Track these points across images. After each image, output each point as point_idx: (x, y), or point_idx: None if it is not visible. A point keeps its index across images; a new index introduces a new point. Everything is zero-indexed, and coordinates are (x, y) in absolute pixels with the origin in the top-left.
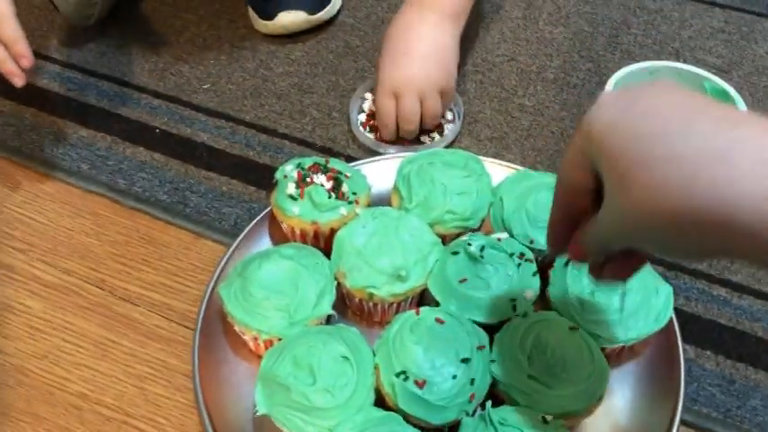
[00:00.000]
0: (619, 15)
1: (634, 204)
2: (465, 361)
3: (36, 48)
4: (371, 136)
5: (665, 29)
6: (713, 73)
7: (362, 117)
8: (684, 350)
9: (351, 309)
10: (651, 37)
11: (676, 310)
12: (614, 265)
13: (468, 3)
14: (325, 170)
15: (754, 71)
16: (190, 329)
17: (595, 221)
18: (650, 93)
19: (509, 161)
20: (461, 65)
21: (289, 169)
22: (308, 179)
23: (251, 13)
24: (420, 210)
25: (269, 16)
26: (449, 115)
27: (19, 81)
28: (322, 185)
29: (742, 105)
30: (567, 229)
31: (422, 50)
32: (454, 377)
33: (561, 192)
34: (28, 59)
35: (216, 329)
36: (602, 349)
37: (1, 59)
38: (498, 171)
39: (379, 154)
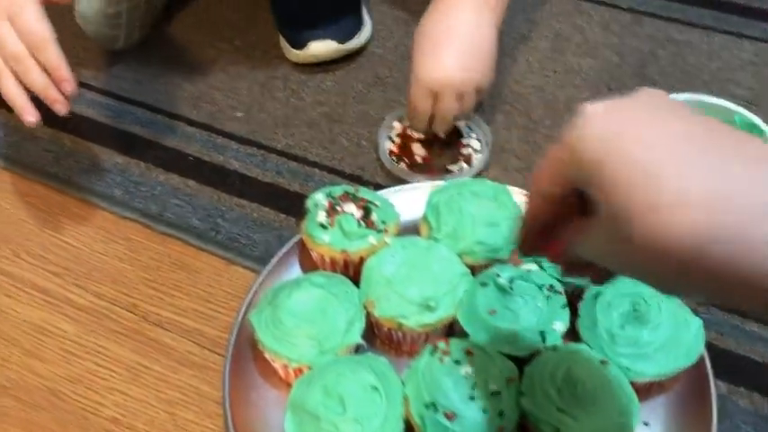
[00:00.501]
0: (646, 46)
1: (638, 246)
2: (495, 393)
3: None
4: (400, 165)
5: (693, 60)
6: (742, 105)
7: (391, 146)
8: (716, 386)
9: (379, 338)
10: (679, 68)
11: (708, 344)
12: (590, 270)
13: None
14: (356, 199)
15: None
16: (220, 355)
17: (586, 239)
18: (644, 110)
19: None
20: (489, 94)
21: (319, 198)
22: (339, 208)
23: (282, 42)
24: (449, 240)
25: (300, 45)
26: (476, 145)
27: (62, 108)
28: (352, 214)
29: None
30: (541, 234)
31: (461, 43)
32: (484, 410)
33: (537, 202)
34: (71, 84)
35: (246, 356)
36: (632, 383)
37: (44, 86)
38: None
39: (408, 182)
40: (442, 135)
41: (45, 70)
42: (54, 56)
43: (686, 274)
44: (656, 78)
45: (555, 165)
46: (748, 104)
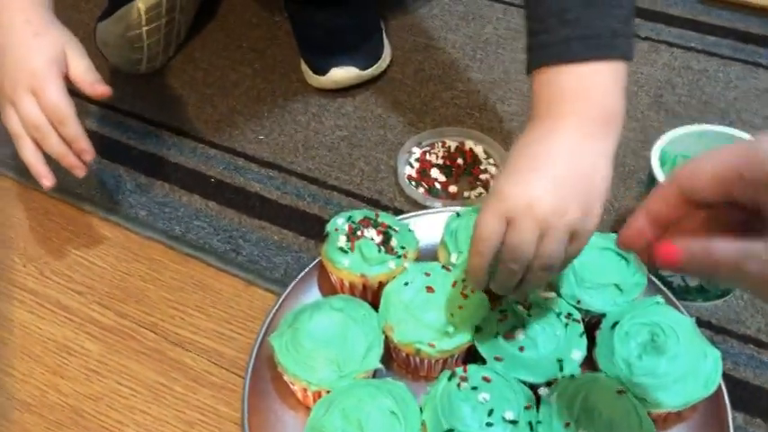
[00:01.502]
0: (663, 75)
1: None
2: (512, 422)
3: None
4: (419, 190)
5: (709, 90)
6: (757, 134)
7: (410, 171)
8: (733, 417)
9: (397, 362)
10: (696, 97)
11: (725, 375)
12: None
13: (623, 101)
14: (376, 224)
15: None
16: (239, 376)
17: (748, 261)
18: None
19: None
20: (507, 119)
21: (340, 222)
22: (359, 233)
23: (304, 67)
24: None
25: (322, 72)
26: (494, 170)
27: (81, 173)
28: (372, 239)
29: None
30: (655, 228)
31: (558, 170)
32: None
33: (670, 195)
34: (90, 154)
35: (265, 378)
36: (649, 413)
37: (63, 154)
38: None
39: (426, 207)
40: (501, 293)
41: (66, 142)
42: (74, 130)
43: None
44: (674, 107)
45: (725, 164)
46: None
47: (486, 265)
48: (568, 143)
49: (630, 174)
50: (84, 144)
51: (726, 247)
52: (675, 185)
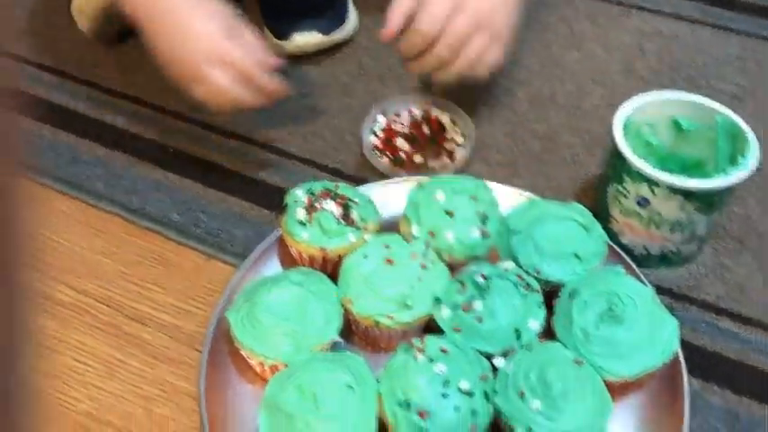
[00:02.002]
0: (633, 40)
1: None
2: (468, 392)
3: (54, 65)
4: (383, 160)
5: (679, 55)
6: (728, 100)
7: (374, 140)
8: (690, 383)
9: (357, 335)
10: (665, 63)
11: (682, 341)
12: None
13: None
14: (335, 196)
15: None
16: (198, 351)
17: None
18: None
19: (519, 187)
20: (474, 88)
21: (299, 194)
22: (318, 205)
23: (266, 33)
24: (428, 237)
25: (284, 37)
26: (460, 139)
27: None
28: (331, 212)
29: (753, 141)
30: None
31: None
32: (456, 408)
33: None
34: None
35: (223, 352)
36: (607, 382)
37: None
38: (508, 198)
39: (390, 178)
40: (443, 81)
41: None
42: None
43: None
44: (643, 73)
45: None
46: (733, 99)
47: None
48: None
49: (596, 141)
50: (275, 85)
51: None
52: None
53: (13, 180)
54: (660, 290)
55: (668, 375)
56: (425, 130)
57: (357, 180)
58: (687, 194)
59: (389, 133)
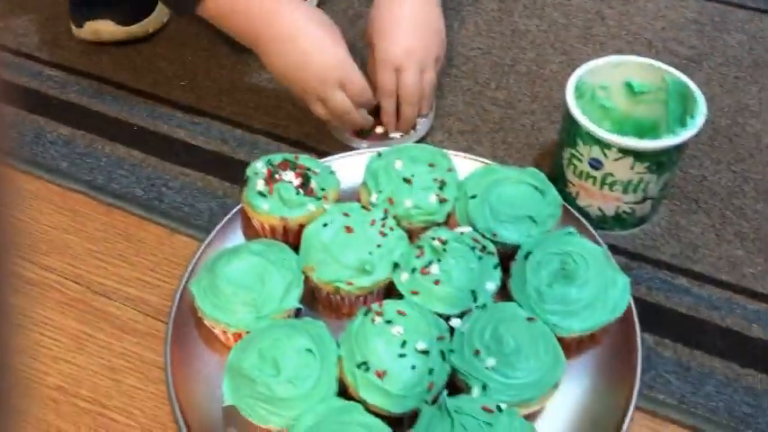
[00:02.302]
0: (593, 6)
1: None
2: (424, 352)
3: (16, 46)
4: (346, 132)
5: (638, 20)
6: (685, 63)
7: None
8: (644, 338)
9: (320, 302)
10: (625, 28)
11: (638, 299)
12: None
13: None
14: (294, 167)
15: (724, 62)
16: (164, 323)
17: None
18: None
19: (480, 155)
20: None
21: (259, 166)
22: (277, 176)
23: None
24: (387, 205)
25: (78, 24)
26: None
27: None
28: (290, 182)
29: (701, 101)
30: None
31: (414, 21)
32: (413, 367)
33: None
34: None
35: (188, 323)
36: (562, 339)
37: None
38: (467, 165)
39: (353, 149)
40: (408, 124)
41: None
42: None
43: None
44: (602, 39)
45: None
46: (690, 62)
47: (395, 108)
48: (409, 4)
49: (556, 107)
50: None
51: None
52: None
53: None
54: (616, 250)
55: (623, 331)
56: (409, 124)
57: (321, 153)
58: (637, 155)
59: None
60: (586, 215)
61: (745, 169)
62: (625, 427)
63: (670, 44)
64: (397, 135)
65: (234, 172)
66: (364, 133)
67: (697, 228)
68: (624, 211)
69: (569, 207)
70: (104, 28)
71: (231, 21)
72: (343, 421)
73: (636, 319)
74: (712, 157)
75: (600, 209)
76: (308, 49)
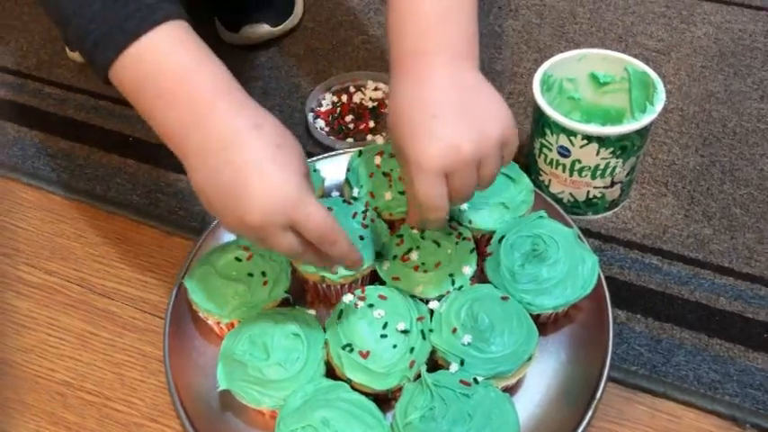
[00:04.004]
0: (566, 6)
1: None
2: (404, 332)
3: (16, 67)
4: (327, 134)
5: (609, 16)
6: (654, 55)
7: (320, 116)
8: (617, 315)
9: (309, 293)
10: (596, 25)
11: (611, 278)
12: None
13: (475, 41)
14: None
15: (691, 52)
16: (162, 319)
17: None
18: None
19: None
20: None
21: None
22: None
23: (218, 24)
24: (368, 198)
25: (234, 29)
26: None
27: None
28: None
29: (661, 88)
30: None
31: (451, 102)
32: (394, 346)
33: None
34: (360, 261)
35: (185, 317)
36: (537, 316)
37: (340, 261)
38: None
39: (335, 150)
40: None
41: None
42: (346, 247)
43: None
44: (573, 37)
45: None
46: (659, 54)
47: (447, 214)
48: (443, 71)
49: (530, 103)
50: (356, 255)
51: None
52: None
53: None
54: (589, 233)
55: (595, 308)
56: (369, 103)
57: (306, 154)
58: (600, 141)
59: (333, 108)
60: (559, 201)
61: (712, 153)
62: (598, 395)
63: (640, 38)
64: (377, 136)
65: None
66: (344, 134)
67: (666, 210)
68: (595, 196)
69: (543, 194)
70: (260, 31)
71: (151, 104)
72: (330, 399)
73: (607, 296)
74: (680, 143)
75: (572, 194)
76: (244, 170)
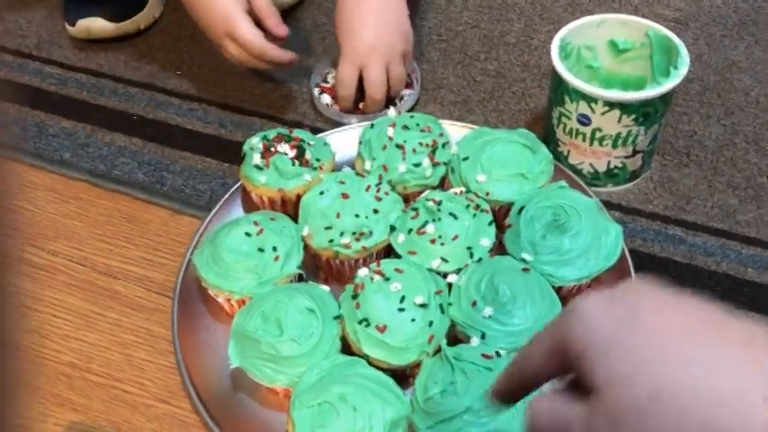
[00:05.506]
0: None
1: None
2: (423, 305)
3: (16, 47)
4: (335, 108)
5: None
6: (672, 26)
7: (326, 90)
8: None
9: (322, 270)
10: None
11: (634, 251)
12: None
13: None
14: (289, 139)
15: (710, 21)
16: (169, 298)
17: (587, 421)
18: (649, 321)
19: (472, 122)
20: (426, 35)
21: (255, 141)
22: (273, 149)
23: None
24: (381, 171)
25: (70, 22)
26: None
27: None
28: (286, 154)
29: (684, 52)
30: (520, 390)
31: (378, 19)
32: (412, 320)
33: (526, 372)
34: (290, 55)
35: (193, 296)
36: (560, 288)
37: (274, 67)
38: (459, 132)
39: (344, 125)
40: (375, 112)
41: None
42: (271, 54)
43: None
44: (588, 7)
45: (544, 347)
46: (677, 24)
47: (352, 99)
48: (373, 3)
49: (545, 74)
50: (288, 57)
51: (540, 407)
52: (516, 371)
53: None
54: (610, 205)
55: (619, 280)
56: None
57: (315, 130)
58: (623, 107)
59: None
60: (579, 173)
61: (735, 122)
62: None
63: (656, 8)
64: (386, 110)
65: (232, 153)
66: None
67: (689, 180)
68: (616, 166)
69: (562, 166)
70: (96, 25)
71: None
72: (347, 375)
73: (631, 269)
74: (701, 113)
75: (592, 165)
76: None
